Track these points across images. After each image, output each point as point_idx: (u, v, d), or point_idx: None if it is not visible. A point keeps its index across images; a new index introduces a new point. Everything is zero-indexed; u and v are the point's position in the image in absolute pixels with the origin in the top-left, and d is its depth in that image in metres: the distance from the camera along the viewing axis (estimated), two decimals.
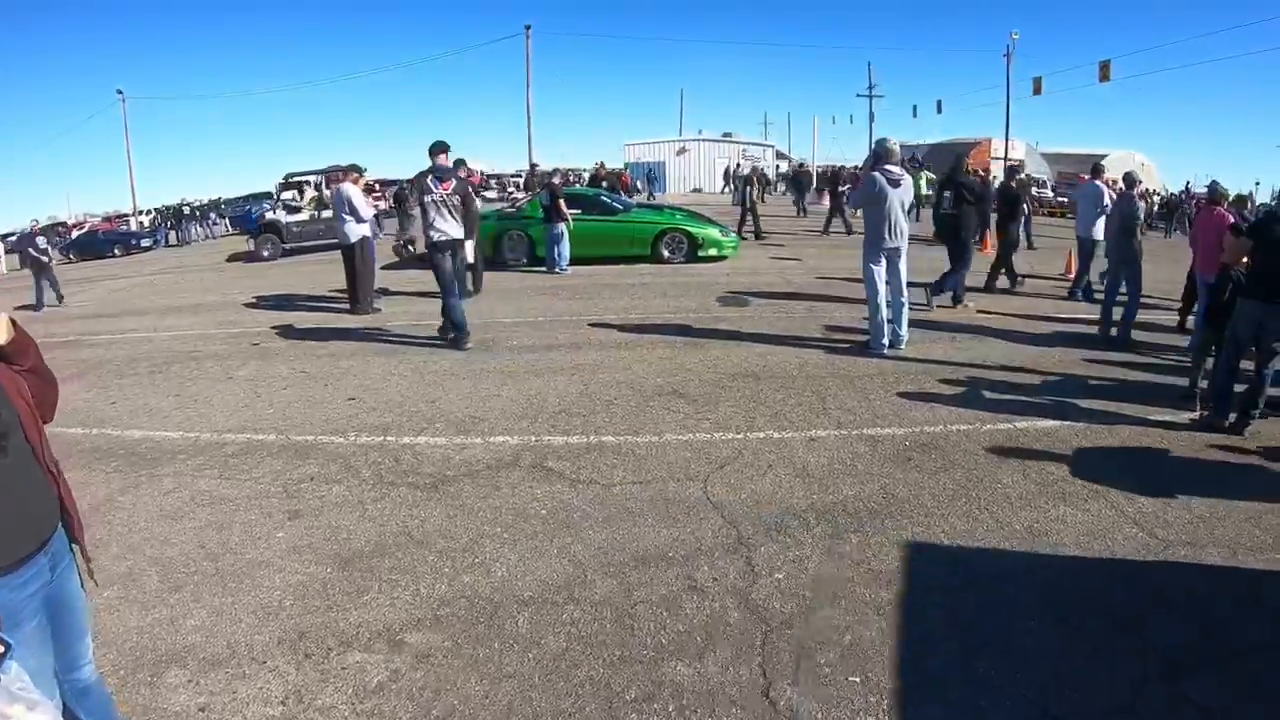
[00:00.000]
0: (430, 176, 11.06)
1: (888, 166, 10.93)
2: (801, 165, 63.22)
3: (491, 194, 63.07)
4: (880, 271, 10.91)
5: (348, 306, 15.25)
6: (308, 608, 5.03)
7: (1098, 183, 15.98)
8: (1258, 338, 8.46)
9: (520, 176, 62.62)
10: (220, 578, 5.41)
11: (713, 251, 21.03)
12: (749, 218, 26.73)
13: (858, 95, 72.43)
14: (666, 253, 20.98)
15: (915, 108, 63.12)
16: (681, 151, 67.97)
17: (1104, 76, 34.94)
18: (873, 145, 11.41)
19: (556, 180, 23.05)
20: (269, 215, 29.58)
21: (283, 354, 11.75)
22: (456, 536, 5.85)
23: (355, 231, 14.77)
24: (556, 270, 19.64)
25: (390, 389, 9.52)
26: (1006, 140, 59.53)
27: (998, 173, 40.36)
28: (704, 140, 71.45)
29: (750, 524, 5.99)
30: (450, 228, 11.24)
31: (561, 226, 19.49)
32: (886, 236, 10.79)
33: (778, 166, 70.06)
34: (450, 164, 11.80)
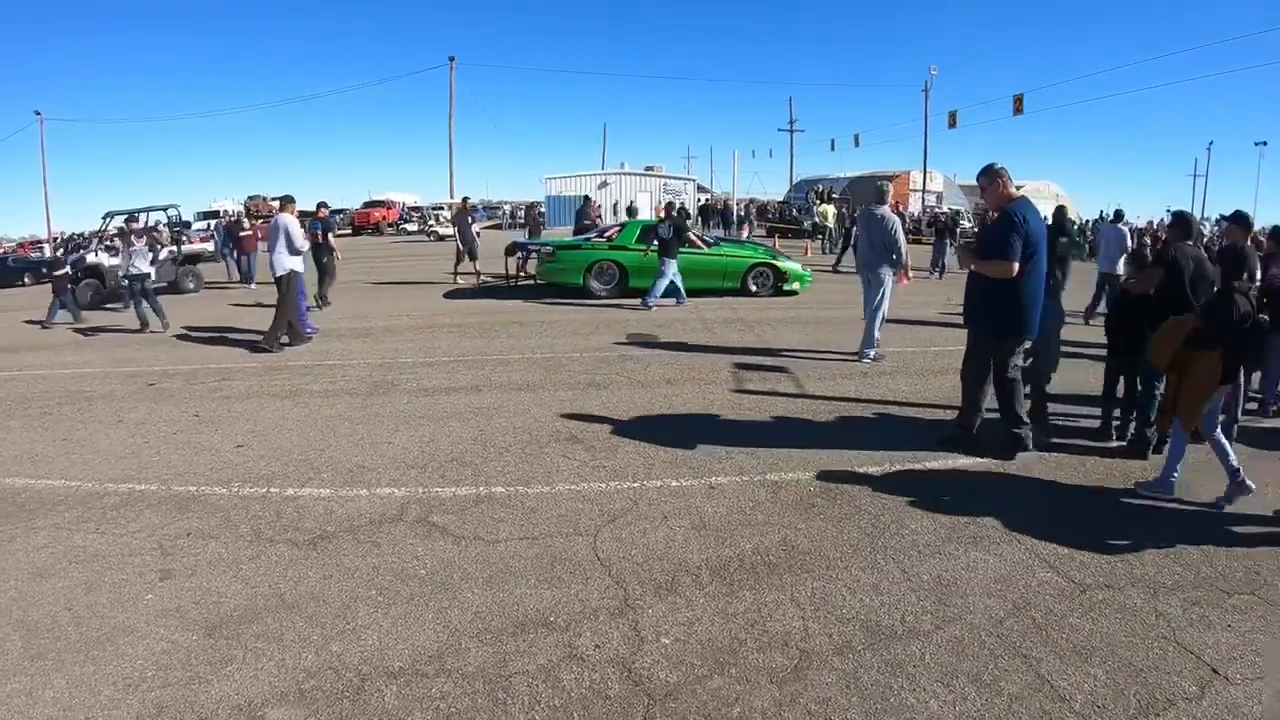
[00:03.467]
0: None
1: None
2: (726, 201, 63.72)
3: (411, 227, 62.86)
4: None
5: (255, 343, 14.96)
6: (169, 679, 4.69)
7: (1120, 226, 18.81)
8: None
9: (442, 209, 62.28)
10: (84, 644, 5.07)
11: (795, 285, 21.49)
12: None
13: (779, 130, 73.41)
14: (754, 286, 21.43)
15: (833, 142, 64.51)
16: (603, 185, 68.10)
17: (1017, 109, 35.54)
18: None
19: (673, 212, 22.48)
20: (90, 258, 25.23)
21: (177, 395, 11.31)
22: (330, 600, 5.51)
23: (286, 264, 14.60)
24: (649, 305, 19.30)
25: (281, 435, 9.16)
26: (925, 173, 60.32)
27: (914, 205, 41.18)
28: (626, 174, 71.81)
29: (639, 583, 5.73)
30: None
31: (674, 262, 19.30)
32: None
33: (699, 200, 70.37)
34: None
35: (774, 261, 21.81)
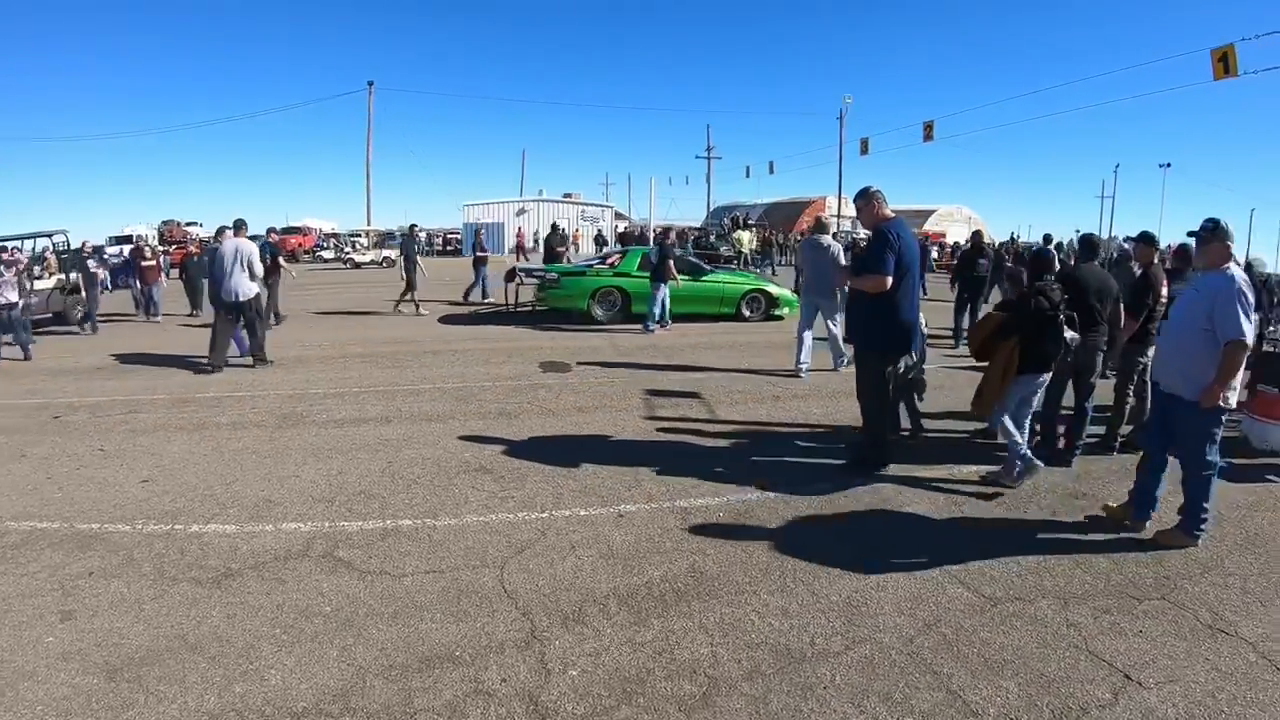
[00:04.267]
0: None
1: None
2: (642, 228, 63.88)
3: (328, 254, 62.20)
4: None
5: (170, 372, 15.10)
6: None
7: (1050, 249, 17.70)
8: (1077, 373, 9.54)
9: (360, 236, 61.82)
10: None
11: (785, 311, 22.45)
12: None
13: (697, 156, 73.77)
14: (748, 311, 22.57)
15: (748, 169, 64.74)
16: (521, 212, 68.06)
17: (927, 136, 35.88)
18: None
19: (669, 240, 23.39)
20: None
21: (83, 429, 11.10)
22: (233, 640, 5.45)
23: (247, 288, 14.94)
24: (650, 329, 20.26)
25: (187, 470, 9.03)
26: (840, 198, 60.81)
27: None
28: (544, 201, 71.89)
29: (546, 614, 5.76)
30: None
31: (665, 286, 20.17)
32: None
33: (616, 227, 70.44)
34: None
35: (767, 288, 22.93)
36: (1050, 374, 8.80)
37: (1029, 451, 8.61)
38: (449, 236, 72.93)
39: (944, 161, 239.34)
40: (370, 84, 61.97)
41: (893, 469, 9.03)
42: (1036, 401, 9.03)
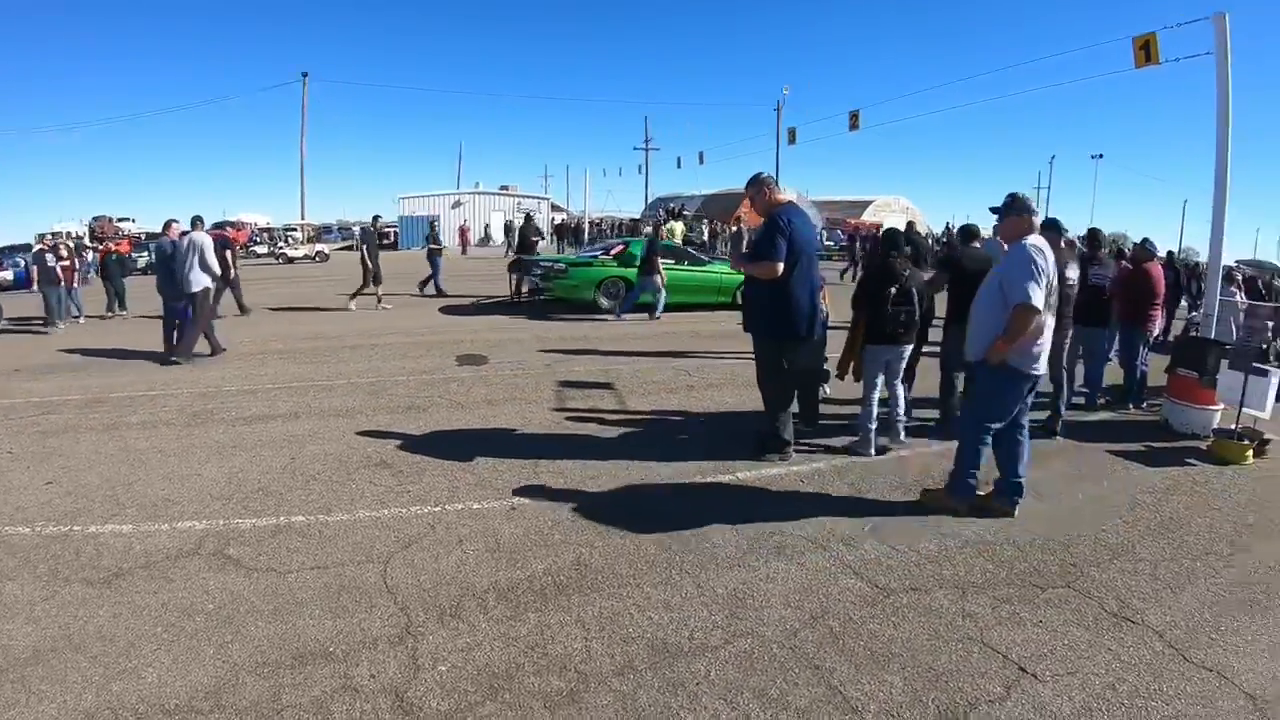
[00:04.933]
0: None
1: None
2: (579, 220, 63.71)
3: (261, 249, 61.41)
4: None
5: (92, 371, 14.69)
6: None
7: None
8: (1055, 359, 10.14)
9: (295, 230, 61.12)
10: None
11: None
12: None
13: (635, 148, 73.54)
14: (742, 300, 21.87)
15: (679, 159, 64.76)
16: (456, 205, 67.61)
17: (853, 125, 35.86)
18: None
19: (650, 229, 24.62)
20: None
21: None
22: (116, 639, 5.28)
23: (200, 281, 15.19)
24: (621, 317, 21.16)
25: (92, 470, 8.73)
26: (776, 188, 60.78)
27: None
28: (480, 193, 71.45)
29: (424, 610, 5.60)
30: None
31: (656, 278, 20.90)
32: None
33: (552, 219, 70.30)
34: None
35: None
36: (905, 348, 9.24)
37: (871, 427, 9.21)
38: (385, 229, 72.17)
39: (883, 153, 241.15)
40: (305, 75, 61.16)
41: (796, 457, 9.01)
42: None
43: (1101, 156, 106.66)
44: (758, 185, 8.75)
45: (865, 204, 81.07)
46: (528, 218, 29.85)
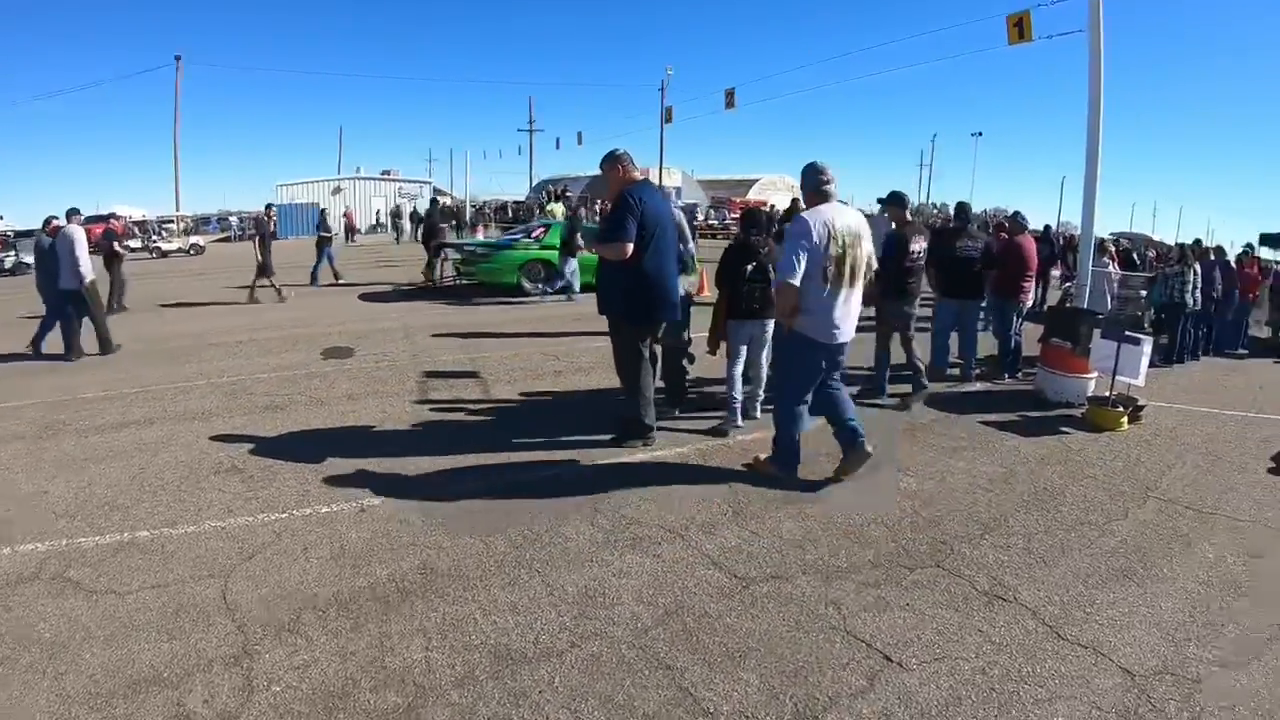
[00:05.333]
0: None
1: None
2: (460, 203, 63.23)
3: (135, 243, 59.68)
4: None
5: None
6: None
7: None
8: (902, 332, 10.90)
9: (175, 222, 59.50)
10: None
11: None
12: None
13: (519, 130, 73.41)
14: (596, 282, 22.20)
15: (558, 140, 64.24)
16: (337, 191, 66.51)
17: (729, 104, 36.03)
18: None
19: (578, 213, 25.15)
20: None
21: None
22: None
23: (85, 274, 14.65)
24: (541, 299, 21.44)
25: None
26: (661, 169, 60.91)
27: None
28: (361, 179, 70.46)
29: (261, 626, 5.24)
30: None
31: (573, 259, 21.17)
32: None
33: (434, 203, 69.75)
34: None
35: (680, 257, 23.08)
36: (767, 322, 9.19)
37: (737, 404, 9.33)
38: (254, 219, 70.43)
39: (769, 131, 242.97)
40: (178, 58, 59.42)
41: (662, 440, 8.84)
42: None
43: (981, 134, 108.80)
44: (611, 162, 8.41)
45: (751, 182, 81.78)
46: (433, 202, 29.69)
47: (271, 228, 23.31)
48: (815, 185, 7.33)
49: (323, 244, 27.36)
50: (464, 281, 23.87)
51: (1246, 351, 20.35)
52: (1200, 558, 6.61)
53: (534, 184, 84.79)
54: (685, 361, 10.10)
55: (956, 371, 12.72)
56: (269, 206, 26.05)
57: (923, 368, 11.14)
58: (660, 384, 9.75)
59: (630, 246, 7.95)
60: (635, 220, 7.94)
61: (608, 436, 8.94)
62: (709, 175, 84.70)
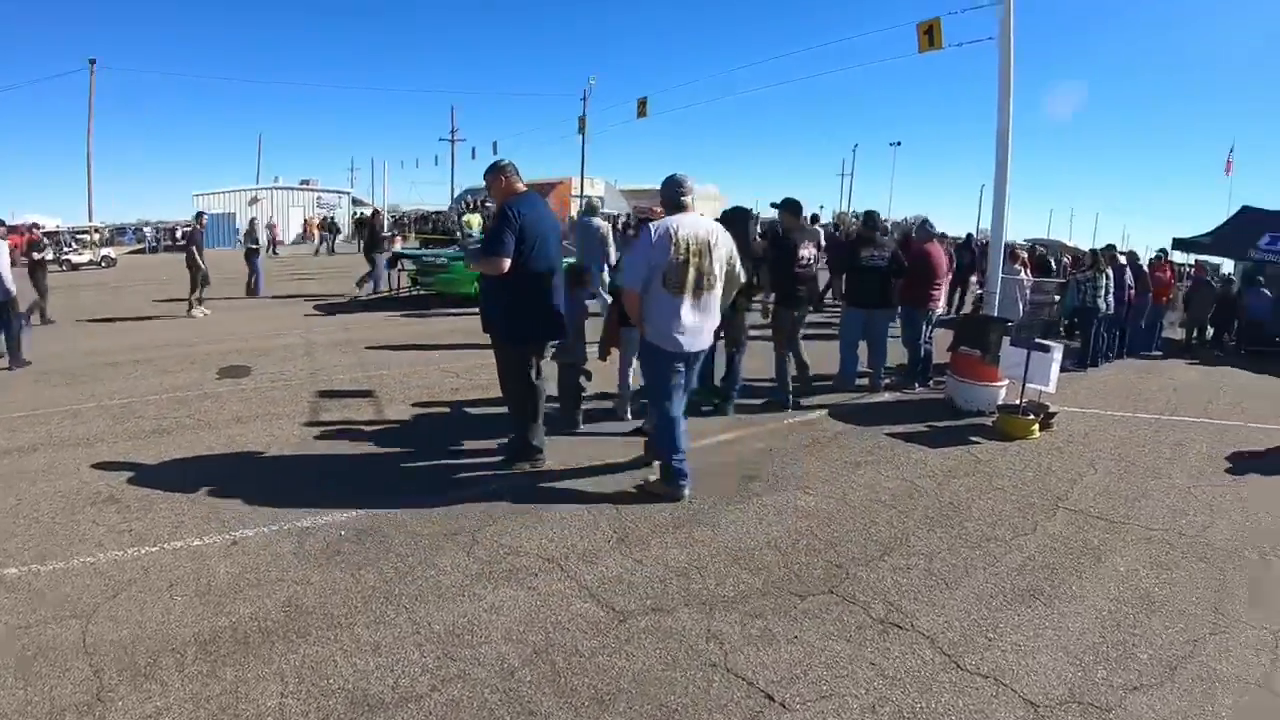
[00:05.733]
0: None
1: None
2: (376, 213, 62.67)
3: (47, 254, 58.34)
4: None
5: None
6: None
7: (817, 227, 20.96)
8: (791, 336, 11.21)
9: (90, 233, 58.20)
10: None
11: None
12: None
13: (440, 139, 72.87)
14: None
15: (474, 150, 63.63)
16: (254, 201, 65.48)
17: (641, 113, 35.83)
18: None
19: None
20: None
21: None
22: None
23: (10, 287, 14.49)
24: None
25: None
26: (582, 179, 60.70)
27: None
28: (279, 188, 69.51)
29: (118, 671, 4.90)
30: None
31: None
32: None
33: (353, 213, 68.97)
34: None
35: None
36: None
37: (628, 394, 9.71)
38: (170, 230, 68.52)
39: (693, 140, 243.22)
40: (92, 62, 58.03)
41: (553, 461, 8.53)
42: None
43: (900, 144, 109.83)
44: (495, 173, 8.11)
45: None
46: (375, 213, 29.39)
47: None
48: (673, 197, 7.55)
49: (252, 255, 26.84)
50: (421, 292, 23.74)
51: (1161, 353, 20.67)
52: (1111, 572, 6.52)
53: (455, 194, 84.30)
54: (581, 378, 9.82)
55: (866, 382, 12.67)
56: (200, 215, 25.50)
57: (791, 380, 11.50)
58: (555, 402, 9.59)
59: (506, 261, 7.65)
60: (513, 234, 7.65)
61: (496, 459, 8.64)
62: (633, 185, 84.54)
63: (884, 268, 12.10)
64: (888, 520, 7.19)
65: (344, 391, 12.18)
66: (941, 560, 6.44)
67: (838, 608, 5.63)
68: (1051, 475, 8.78)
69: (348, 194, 76.33)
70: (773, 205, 11.98)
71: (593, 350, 9.80)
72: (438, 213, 69.93)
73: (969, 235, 30.43)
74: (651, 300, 7.24)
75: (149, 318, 21.50)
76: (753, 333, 11.10)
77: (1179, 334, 23.37)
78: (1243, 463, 10.08)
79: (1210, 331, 23.26)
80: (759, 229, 11.70)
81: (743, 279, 8.09)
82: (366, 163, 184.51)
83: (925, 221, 14.03)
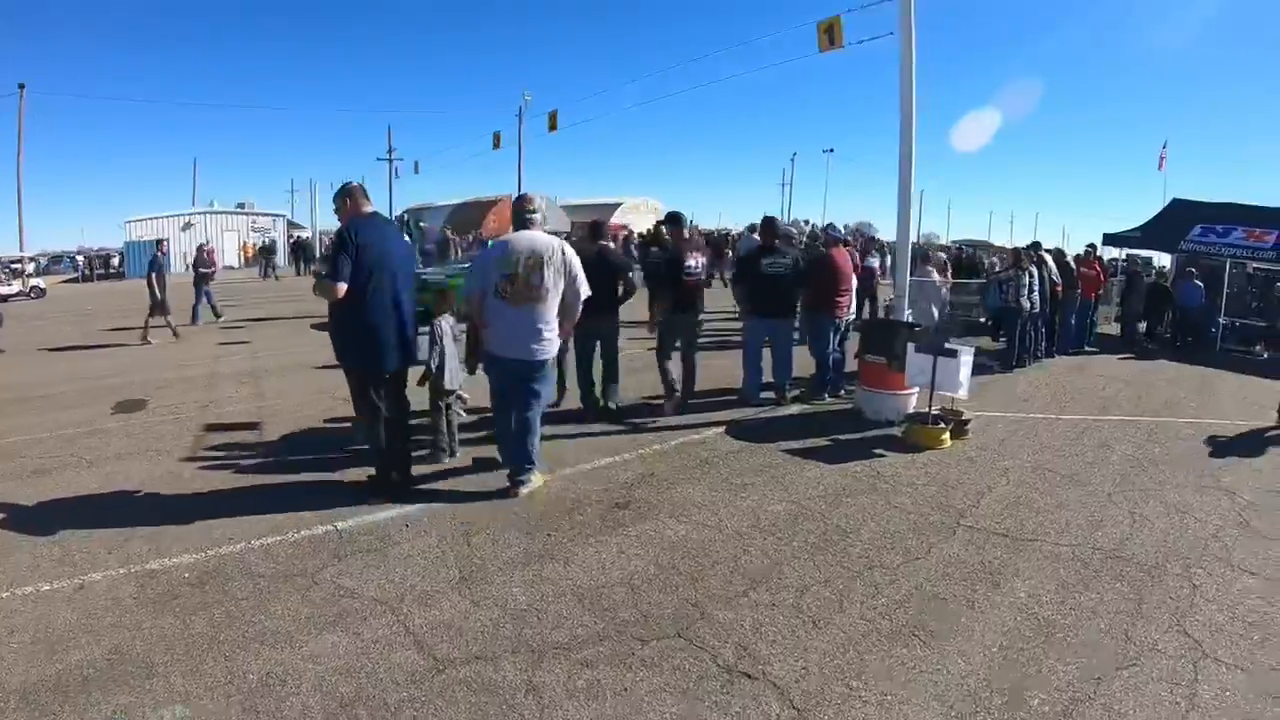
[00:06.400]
0: None
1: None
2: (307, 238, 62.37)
3: None
4: None
5: None
6: None
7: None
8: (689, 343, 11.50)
9: (23, 262, 56.99)
10: None
11: None
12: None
13: (378, 159, 72.49)
14: None
15: (396, 169, 62.74)
16: (187, 226, 64.61)
17: (552, 126, 35.72)
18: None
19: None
20: None
21: None
22: None
23: None
24: None
25: None
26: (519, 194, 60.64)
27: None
28: (213, 213, 68.84)
29: None
30: None
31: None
32: None
33: (290, 236, 68.33)
34: None
35: None
36: None
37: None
38: (104, 257, 66.98)
39: (635, 154, 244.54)
40: (21, 87, 56.87)
41: (417, 493, 8.06)
42: None
43: (832, 151, 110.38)
44: (341, 196, 7.87)
45: (615, 206, 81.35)
46: (303, 240, 28.92)
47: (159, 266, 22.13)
48: (518, 215, 8.04)
49: (201, 281, 26.15)
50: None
51: (1095, 349, 20.51)
52: (1009, 600, 5.95)
53: (394, 214, 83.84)
54: (456, 404, 9.26)
55: (772, 394, 12.19)
56: (161, 241, 25.01)
57: (675, 390, 11.53)
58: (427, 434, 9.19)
59: (342, 287, 7.35)
60: (349, 259, 7.34)
61: (359, 493, 8.09)
62: (573, 199, 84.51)
63: (785, 275, 11.76)
64: (762, 549, 6.64)
65: (232, 424, 11.54)
66: (814, 594, 5.88)
67: (681, 654, 5.08)
68: (958, 489, 8.28)
69: (283, 217, 75.59)
70: (658, 222, 12.26)
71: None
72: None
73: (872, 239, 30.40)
74: (489, 309, 7.70)
75: (71, 348, 20.85)
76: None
77: (1115, 329, 23.40)
78: (1171, 463, 9.75)
79: (1144, 325, 23.36)
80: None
81: (623, 291, 9.70)
82: (306, 184, 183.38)
83: (830, 226, 13.79)
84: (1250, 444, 11.13)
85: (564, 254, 7.85)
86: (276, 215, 74.78)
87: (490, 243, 8.13)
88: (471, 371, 9.16)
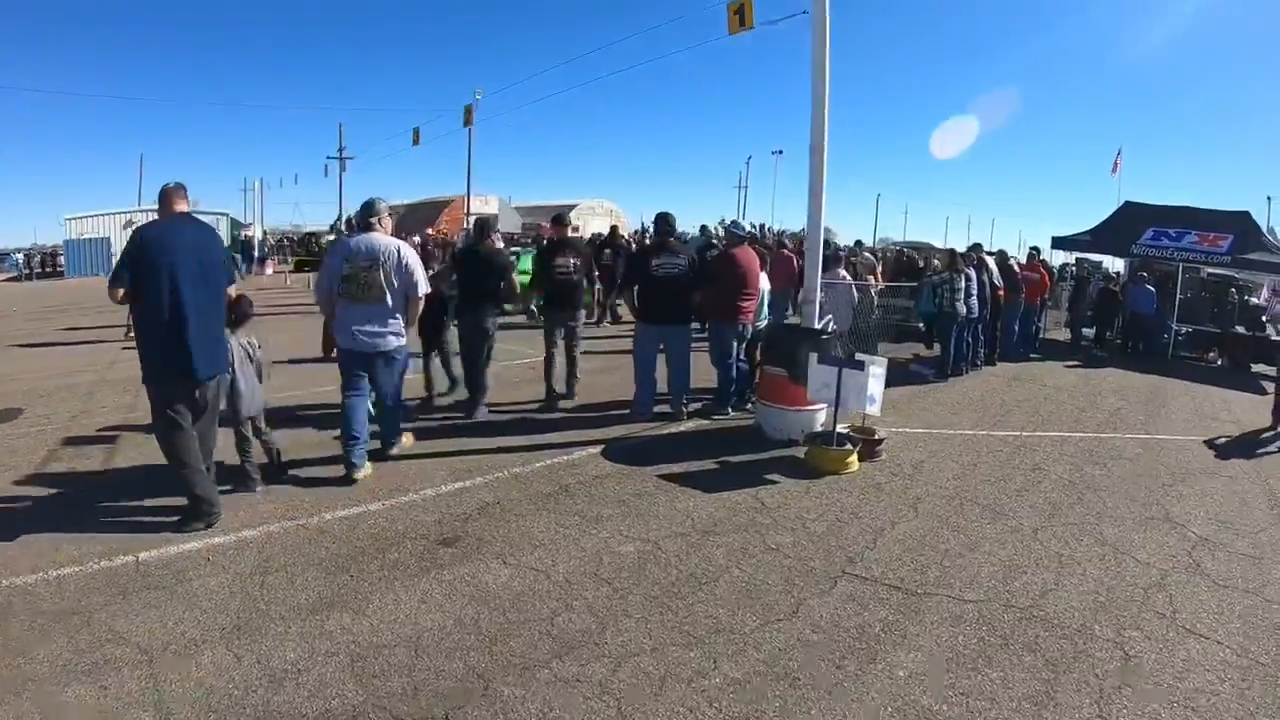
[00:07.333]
0: None
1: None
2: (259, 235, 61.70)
3: None
4: None
5: None
6: None
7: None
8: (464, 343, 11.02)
9: None
10: None
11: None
12: None
13: (329, 158, 71.97)
14: None
15: (326, 167, 62.06)
16: (128, 225, 63.36)
17: (415, 141, 35.92)
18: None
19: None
20: None
21: None
22: None
23: None
24: None
25: None
26: (468, 196, 60.51)
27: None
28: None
29: None
30: None
31: None
32: None
33: (238, 235, 67.40)
34: None
35: None
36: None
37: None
38: (50, 255, 65.66)
39: (589, 156, 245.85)
40: None
41: (236, 517, 7.22)
42: None
43: (781, 152, 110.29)
44: (159, 197, 7.56)
45: (570, 208, 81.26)
46: (249, 237, 28.84)
47: None
48: (362, 218, 8.66)
49: None
50: None
51: (1040, 356, 19.77)
52: (882, 682, 4.76)
53: (343, 214, 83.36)
54: (263, 427, 8.52)
55: (699, 406, 11.37)
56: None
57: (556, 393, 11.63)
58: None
59: (119, 291, 6.91)
60: (127, 262, 6.92)
61: (175, 518, 7.17)
62: (528, 201, 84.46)
63: (679, 276, 10.79)
64: (590, 603, 5.55)
65: (92, 438, 10.51)
66: (632, 669, 4.76)
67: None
68: (853, 524, 7.24)
69: (226, 215, 74.44)
70: (552, 219, 12.67)
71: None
72: (310, 234, 68.37)
73: (858, 242, 29.59)
74: (337, 305, 8.42)
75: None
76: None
77: (1065, 334, 22.97)
78: (1112, 488, 8.86)
79: (1093, 331, 23.04)
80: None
81: (504, 287, 10.79)
82: (256, 183, 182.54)
83: (733, 223, 12.64)
84: (1203, 464, 10.29)
85: (399, 255, 8.40)
86: (220, 214, 73.62)
87: (338, 244, 8.84)
88: (325, 356, 9.94)
